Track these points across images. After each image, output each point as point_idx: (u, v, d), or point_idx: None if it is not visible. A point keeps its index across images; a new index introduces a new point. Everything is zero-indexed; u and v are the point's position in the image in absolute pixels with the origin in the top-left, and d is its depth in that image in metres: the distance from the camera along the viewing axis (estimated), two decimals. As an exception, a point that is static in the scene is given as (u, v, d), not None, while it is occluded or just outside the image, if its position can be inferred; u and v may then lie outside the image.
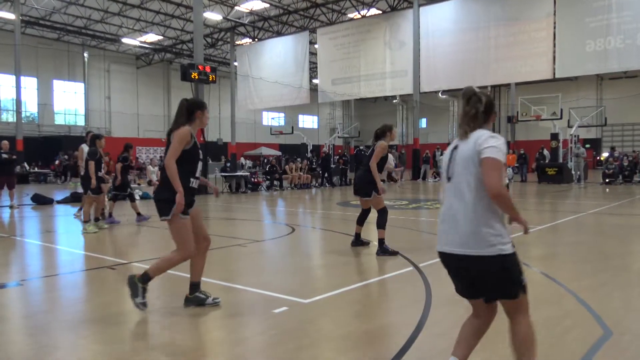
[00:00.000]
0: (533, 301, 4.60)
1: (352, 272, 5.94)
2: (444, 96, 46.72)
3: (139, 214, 10.72)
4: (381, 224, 6.78)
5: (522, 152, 26.60)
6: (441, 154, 29.08)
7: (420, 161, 27.87)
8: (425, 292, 4.83)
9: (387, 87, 29.85)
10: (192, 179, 4.36)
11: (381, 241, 6.71)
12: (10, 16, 27.95)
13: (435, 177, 27.06)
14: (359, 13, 31.26)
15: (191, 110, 4.40)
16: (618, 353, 3.37)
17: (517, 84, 36.41)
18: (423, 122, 46.56)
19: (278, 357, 3.41)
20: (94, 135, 9.69)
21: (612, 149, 27.91)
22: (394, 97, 44.82)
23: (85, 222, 9.23)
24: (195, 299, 4.52)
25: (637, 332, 3.83)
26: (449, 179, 2.71)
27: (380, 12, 30.33)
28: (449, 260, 2.75)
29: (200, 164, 4.49)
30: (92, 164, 9.17)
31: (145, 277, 4.34)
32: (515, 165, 26.14)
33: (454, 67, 26.40)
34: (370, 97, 37.79)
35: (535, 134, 39.85)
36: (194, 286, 4.56)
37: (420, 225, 10.27)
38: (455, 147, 2.73)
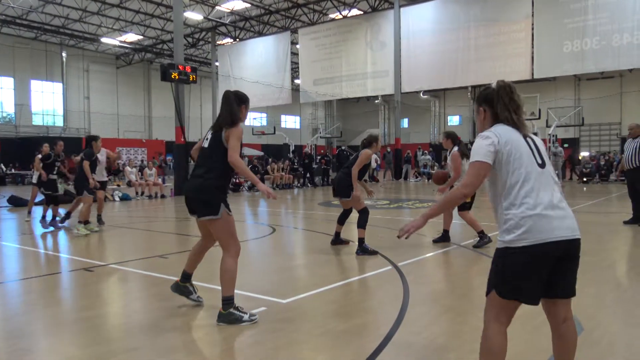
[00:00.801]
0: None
1: (331, 272, 5.97)
2: (425, 96, 47.08)
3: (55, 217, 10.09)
4: (361, 223, 6.82)
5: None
6: (422, 154, 29.33)
7: (402, 161, 28.03)
8: (403, 290, 4.88)
9: (369, 88, 29.98)
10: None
11: (361, 240, 6.76)
12: (-14, 15, 27.45)
13: (416, 177, 27.27)
14: (340, 13, 31.34)
15: (239, 104, 4.34)
16: (588, 348, 3.45)
17: (497, 84, 36.72)
18: (405, 122, 46.83)
19: (257, 357, 3.41)
20: (89, 137, 10.00)
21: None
22: (376, 97, 45.04)
23: (80, 222, 9.17)
24: (186, 289, 4.51)
25: (608, 328, 3.91)
26: (541, 165, 2.58)
27: (362, 12, 30.45)
28: (561, 248, 2.47)
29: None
30: (86, 163, 9.16)
31: (228, 301, 4.10)
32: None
33: (434, 68, 26.63)
34: (352, 98, 37.90)
35: (514, 133, 40.31)
36: (187, 276, 4.54)
37: (400, 224, 10.33)
38: (525, 136, 2.61)
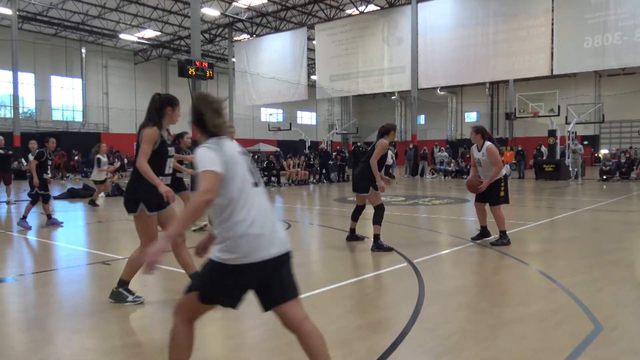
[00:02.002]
0: (525, 296, 4.65)
1: (346, 268, 5.96)
2: (442, 92, 46.75)
3: (49, 216, 9.71)
4: (377, 220, 6.80)
5: (519, 148, 26.62)
6: (439, 150, 29.12)
7: (419, 158, 27.86)
8: (418, 287, 4.85)
9: (385, 84, 29.86)
10: (160, 177, 4.34)
11: (376, 237, 6.74)
12: (7, 11, 27.86)
13: (433, 174, 27.09)
14: (357, 9, 31.22)
15: (161, 107, 4.35)
16: (607, 347, 3.40)
17: (515, 80, 36.42)
18: (421, 119, 46.55)
19: (271, 352, 3.42)
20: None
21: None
22: (392, 93, 44.85)
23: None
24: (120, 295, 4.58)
25: (627, 327, 3.85)
26: (255, 184, 2.65)
27: (379, 8, 30.29)
28: (274, 263, 2.60)
29: (169, 161, 4.51)
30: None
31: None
32: (513, 162, 26.16)
33: (452, 64, 26.42)
34: (369, 94, 37.78)
35: (533, 130, 39.88)
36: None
37: (416, 221, 10.29)
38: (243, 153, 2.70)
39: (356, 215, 7.39)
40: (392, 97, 49.03)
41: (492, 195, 7.00)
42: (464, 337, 3.67)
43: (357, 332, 3.76)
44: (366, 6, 30.92)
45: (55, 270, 6.11)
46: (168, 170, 4.54)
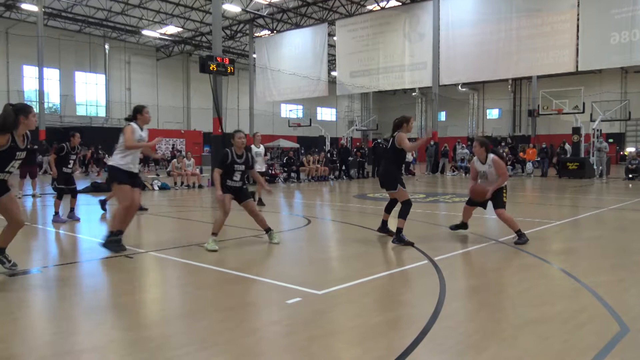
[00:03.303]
0: (548, 295, 4.58)
1: (366, 264, 5.94)
2: (464, 89, 46.30)
3: (71, 209, 9.74)
4: (403, 214, 6.84)
5: (543, 145, 26.17)
6: (461, 148, 28.85)
7: (439, 155, 27.63)
8: (439, 285, 4.81)
9: (406, 80, 29.66)
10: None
11: (399, 230, 6.79)
12: (34, 8, 28.35)
13: (453, 171, 26.85)
14: (378, 5, 31.05)
15: (15, 116, 4.81)
16: (634, 350, 3.33)
17: (538, 77, 35.87)
18: (442, 115, 46.17)
19: (290, 348, 3.43)
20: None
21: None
22: (413, 89, 44.53)
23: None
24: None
25: (655, 329, 3.76)
26: None
27: (400, 3, 30.08)
28: None
29: (14, 162, 5.01)
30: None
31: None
32: (536, 159, 25.76)
33: (474, 60, 26.11)
34: (389, 90, 37.57)
35: (556, 128, 39.27)
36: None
37: (437, 218, 10.22)
38: None
39: (389, 207, 7.46)
40: (413, 94, 48.71)
41: (496, 199, 7.07)
42: (485, 336, 3.62)
43: (377, 329, 3.74)
44: (387, 2, 30.73)
45: (79, 263, 6.21)
46: (9, 169, 5.03)
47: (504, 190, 7.15)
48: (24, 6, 29.13)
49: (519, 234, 6.92)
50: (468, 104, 48.77)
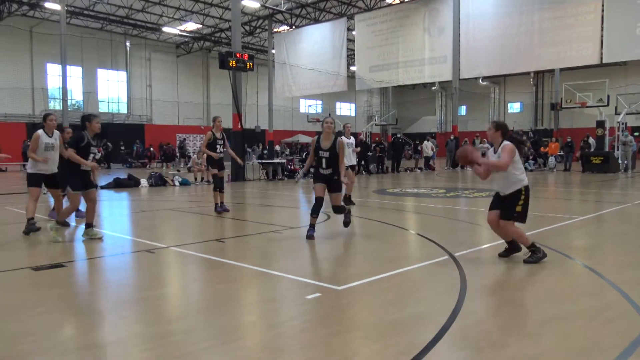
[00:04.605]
0: (572, 292, 4.51)
1: (386, 260, 5.91)
2: (485, 82, 45.75)
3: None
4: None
5: (569, 139, 25.70)
6: (480, 142, 28.55)
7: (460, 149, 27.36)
8: (460, 281, 4.77)
9: (426, 74, 29.42)
10: None
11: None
12: (57, 7, 28.78)
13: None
14: (398, -2, 30.82)
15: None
16: (661, 348, 3.25)
17: (561, 69, 35.24)
18: (462, 110, 45.69)
19: (310, 343, 3.43)
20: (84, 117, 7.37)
21: None
22: (432, 84, 44.14)
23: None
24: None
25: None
26: None
27: (420, -3, 29.81)
28: None
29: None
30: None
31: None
32: (559, 153, 25.36)
33: (495, 53, 25.78)
34: (409, 84, 37.30)
35: (580, 121, 38.57)
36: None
37: (457, 214, 10.13)
38: None
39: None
40: (433, 88, 48.28)
41: (505, 206, 5.65)
42: (507, 333, 3.58)
43: (397, 325, 3.73)
44: (407, -5, 30.49)
45: (102, 258, 6.30)
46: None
47: (521, 199, 5.58)
48: (48, 5, 29.60)
49: (532, 249, 5.62)
50: (489, 97, 48.18)
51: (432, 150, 26.50)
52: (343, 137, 11.15)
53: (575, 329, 3.61)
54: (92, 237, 7.09)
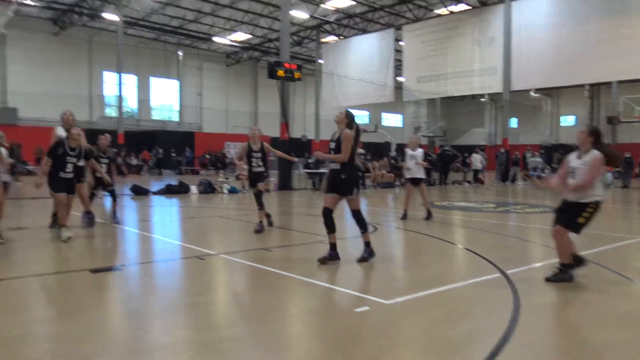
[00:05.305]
0: (632, 316, 4.29)
1: (434, 275, 5.81)
2: (537, 95, 44.53)
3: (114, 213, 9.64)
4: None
5: (627, 155, 24.62)
6: (532, 156, 27.78)
7: (510, 163, 26.69)
8: (513, 300, 4.62)
9: (475, 85, 28.91)
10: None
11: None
12: (114, 17, 29.99)
13: (525, 180, 25.83)
14: (447, 9, 30.48)
15: None
16: None
17: (619, 81, 33.85)
18: (513, 122, 44.57)
19: (359, 356, 3.40)
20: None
21: None
22: (482, 95, 43.32)
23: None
24: None
25: None
26: None
27: (470, 7, 29.39)
28: None
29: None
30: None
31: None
32: (618, 169, 24.32)
33: (548, 64, 25.05)
34: (457, 96, 36.74)
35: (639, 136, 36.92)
36: None
37: (507, 229, 9.85)
38: None
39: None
40: (482, 100, 47.36)
41: (569, 213, 5.27)
42: (564, 355, 3.44)
43: (447, 343, 3.64)
44: (456, 5, 30.12)
45: (155, 263, 6.46)
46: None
47: (587, 212, 5.16)
48: (106, 15, 30.93)
49: (563, 267, 5.29)
50: (541, 110, 46.84)
51: (481, 163, 25.93)
52: (407, 149, 10.89)
53: (637, 355, 3.43)
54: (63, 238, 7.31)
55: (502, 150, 26.91)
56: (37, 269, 5.86)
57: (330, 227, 6.15)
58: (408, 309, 4.44)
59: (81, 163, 7.95)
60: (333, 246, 6.12)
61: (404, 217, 10.51)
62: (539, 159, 27.32)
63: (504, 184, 25.27)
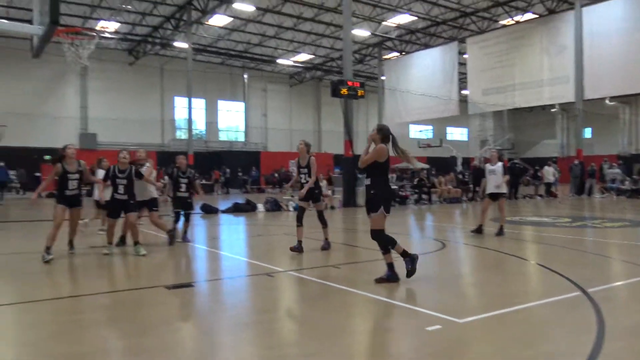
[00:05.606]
0: None
1: (508, 293, 5.57)
2: (613, 102, 42.28)
3: (184, 231, 9.66)
4: None
5: None
6: (609, 167, 26.31)
7: (585, 175, 25.38)
8: (596, 321, 4.34)
9: (545, 96, 27.89)
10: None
11: None
12: (184, 45, 31.45)
13: (602, 193, 24.46)
14: (512, 19, 29.70)
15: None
16: None
17: None
18: (587, 132, 42.48)
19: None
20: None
21: None
22: (552, 105, 41.64)
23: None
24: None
25: None
26: None
27: (537, 16, 28.50)
28: None
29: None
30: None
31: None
32: None
33: (623, 71, 23.79)
34: (526, 107, 35.53)
35: None
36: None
37: (586, 245, 9.33)
38: None
39: None
40: (552, 110, 45.49)
41: None
42: (658, 382, 3.19)
43: (527, 365, 3.47)
44: (522, 15, 29.29)
45: (225, 280, 6.62)
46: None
47: None
48: (176, 44, 32.57)
49: None
50: (618, 118, 44.37)
51: (554, 175, 24.81)
52: (487, 165, 10.52)
53: None
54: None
55: (576, 161, 25.66)
56: (114, 285, 6.15)
57: (389, 244, 5.93)
58: (481, 329, 4.29)
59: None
60: (391, 266, 5.87)
61: (478, 231, 10.19)
62: (617, 170, 25.82)
63: (580, 197, 24.03)
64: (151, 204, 8.98)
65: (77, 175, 7.72)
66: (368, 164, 5.86)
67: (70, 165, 7.69)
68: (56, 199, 7.73)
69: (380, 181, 5.90)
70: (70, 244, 8.13)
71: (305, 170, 8.32)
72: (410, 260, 5.85)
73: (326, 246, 8.45)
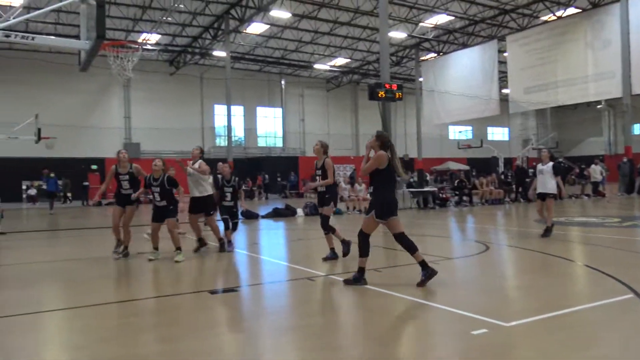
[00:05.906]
0: None
1: (555, 296, 5.41)
2: (663, 97, 40.51)
3: (228, 240, 9.40)
4: None
5: None
6: (660, 164, 25.21)
7: (635, 173, 24.41)
8: (651, 324, 4.17)
9: (590, 92, 27.02)
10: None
11: None
12: (222, 54, 32.04)
13: (654, 191, 23.43)
14: (554, 14, 28.93)
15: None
16: None
17: None
18: (636, 128, 40.88)
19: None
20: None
21: None
22: (597, 102, 40.31)
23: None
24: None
25: None
26: None
27: (580, 10, 27.67)
28: None
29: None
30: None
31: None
32: None
33: (675, 63, 22.80)
34: (570, 104, 34.52)
35: None
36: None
37: (637, 246, 8.98)
38: None
39: None
40: (598, 106, 44.03)
41: None
42: None
43: (578, 370, 3.36)
44: (564, 10, 28.50)
45: (267, 284, 6.68)
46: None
47: None
48: (215, 53, 33.22)
49: None
50: (668, 113, 42.54)
51: (602, 174, 23.97)
52: (539, 164, 10.23)
53: None
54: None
55: (625, 159, 24.71)
56: (159, 290, 6.30)
57: (410, 248, 5.97)
58: (529, 332, 4.18)
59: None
60: (423, 264, 5.82)
61: (548, 232, 9.72)
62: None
63: (629, 196, 23.12)
64: (207, 206, 9.01)
65: (127, 177, 8.54)
66: (369, 172, 5.89)
67: (122, 168, 8.60)
68: (114, 199, 8.95)
69: (381, 188, 5.91)
70: (125, 248, 8.55)
71: (320, 172, 7.90)
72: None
73: (329, 256, 7.94)
